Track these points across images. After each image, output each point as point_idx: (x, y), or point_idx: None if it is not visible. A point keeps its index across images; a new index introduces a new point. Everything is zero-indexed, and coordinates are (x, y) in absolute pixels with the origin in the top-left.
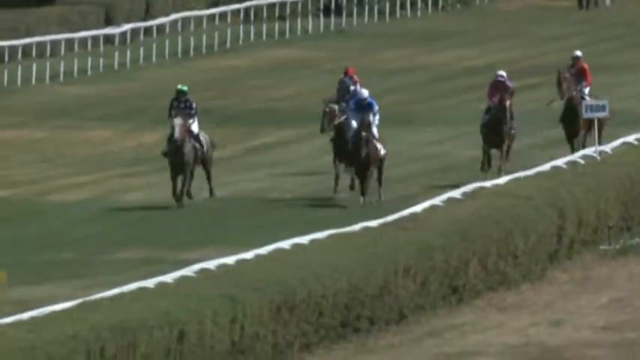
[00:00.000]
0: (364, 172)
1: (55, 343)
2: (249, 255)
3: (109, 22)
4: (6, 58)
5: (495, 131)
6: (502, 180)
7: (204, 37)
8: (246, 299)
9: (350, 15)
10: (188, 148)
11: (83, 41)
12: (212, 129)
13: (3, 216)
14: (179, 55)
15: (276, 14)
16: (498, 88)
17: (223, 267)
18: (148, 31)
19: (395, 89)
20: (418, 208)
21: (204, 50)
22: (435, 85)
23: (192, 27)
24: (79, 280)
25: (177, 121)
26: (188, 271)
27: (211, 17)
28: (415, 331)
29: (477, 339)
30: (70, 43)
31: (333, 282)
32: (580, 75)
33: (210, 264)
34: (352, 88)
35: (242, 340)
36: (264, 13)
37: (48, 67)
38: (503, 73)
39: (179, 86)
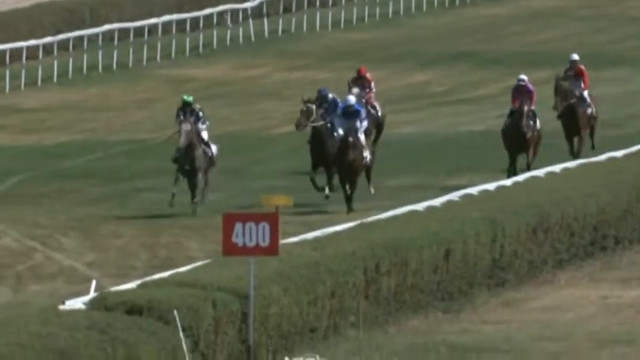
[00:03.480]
0: (351, 179)
1: (336, 259)
2: (508, 182)
3: None
4: (294, 8)
5: (516, 136)
6: None
7: None
8: (506, 221)
9: None
10: (198, 153)
11: None
12: (474, 71)
13: (292, 147)
14: (446, 4)
15: None
16: (520, 92)
17: (485, 192)
18: None
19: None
20: None
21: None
22: None
23: None
24: (362, 204)
25: (185, 127)
26: (453, 196)
27: None
28: None
29: None
30: None
31: (583, 206)
32: (577, 78)
33: (473, 190)
34: (330, 96)
35: (501, 257)
36: None
37: (330, 16)
38: (524, 77)
39: (184, 97)
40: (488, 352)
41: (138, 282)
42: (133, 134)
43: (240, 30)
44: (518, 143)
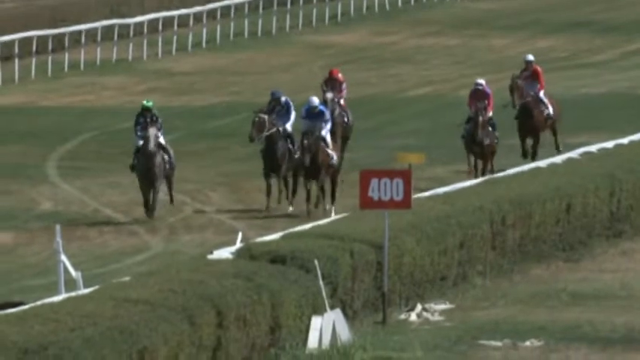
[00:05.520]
0: (316, 174)
1: (465, 213)
2: (624, 140)
3: None
4: None
5: (474, 144)
6: None
7: None
8: (623, 177)
9: None
10: (158, 160)
11: None
12: (593, 38)
13: (424, 109)
14: None
15: None
16: (477, 95)
17: (603, 150)
18: None
19: None
20: None
21: None
22: None
23: None
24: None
25: (152, 132)
26: (574, 153)
27: None
28: None
29: None
30: None
31: None
32: (533, 79)
33: (593, 148)
34: (283, 99)
35: (619, 210)
36: None
37: None
38: (482, 81)
39: (144, 102)
40: (607, 299)
41: (281, 233)
42: None
43: None
44: (475, 151)
